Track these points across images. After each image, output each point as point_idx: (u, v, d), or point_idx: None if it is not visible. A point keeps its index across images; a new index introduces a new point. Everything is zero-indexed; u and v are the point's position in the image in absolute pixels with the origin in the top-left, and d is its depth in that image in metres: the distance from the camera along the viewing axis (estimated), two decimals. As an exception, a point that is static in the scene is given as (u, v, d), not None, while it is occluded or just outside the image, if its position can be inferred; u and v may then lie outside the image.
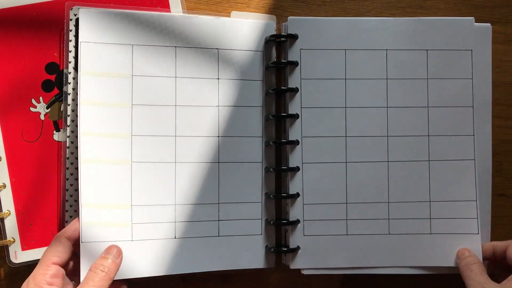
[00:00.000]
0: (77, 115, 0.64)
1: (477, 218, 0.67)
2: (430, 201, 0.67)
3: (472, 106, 0.68)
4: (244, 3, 0.71)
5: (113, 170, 0.64)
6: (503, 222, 0.72)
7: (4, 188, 0.65)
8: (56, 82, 0.66)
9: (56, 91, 0.66)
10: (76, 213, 0.64)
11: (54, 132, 0.66)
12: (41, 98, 0.66)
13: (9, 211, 0.65)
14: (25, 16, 0.66)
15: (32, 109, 0.66)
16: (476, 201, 0.67)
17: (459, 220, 0.67)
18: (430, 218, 0.67)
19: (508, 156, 0.73)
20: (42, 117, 0.66)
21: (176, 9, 0.68)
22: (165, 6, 0.68)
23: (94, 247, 0.63)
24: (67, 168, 0.65)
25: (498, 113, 0.72)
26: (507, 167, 0.73)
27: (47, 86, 0.66)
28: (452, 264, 0.67)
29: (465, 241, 0.67)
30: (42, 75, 0.66)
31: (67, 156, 0.65)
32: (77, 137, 0.64)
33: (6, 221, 0.65)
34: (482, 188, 0.68)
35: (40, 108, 0.66)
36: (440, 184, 0.67)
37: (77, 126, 0.64)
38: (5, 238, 0.65)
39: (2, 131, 0.65)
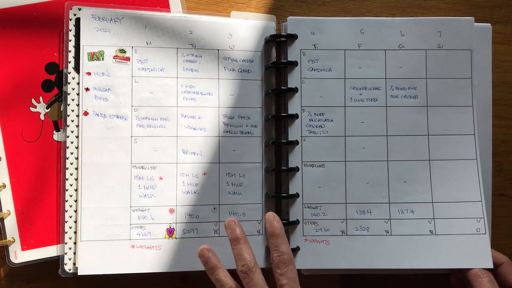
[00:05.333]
0: (77, 115, 0.64)
1: (484, 218, 0.67)
2: (432, 202, 0.67)
3: (472, 106, 0.68)
4: (244, 3, 0.71)
5: (113, 173, 0.65)
6: (503, 222, 0.72)
7: (4, 188, 0.65)
8: (56, 82, 0.66)
9: (56, 91, 0.66)
10: (75, 213, 0.64)
11: (54, 132, 0.66)
12: (41, 98, 0.66)
13: (9, 211, 0.65)
14: (25, 16, 0.66)
15: (32, 109, 0.66)
16: (481, 201, 0.67)
17: (465, 220, 0.67)
18: (434, 218, 0.67)
19: (508, 156, 0.73)
20: (42, 117, 0.66)
21: (176, 9, 0.68)
22: (165, 6, 0.68)
23: (92, 245, 0.64)
24: (67, 168, 0.65)
25: (498, 113, 0.72)
26: (507, 167, 0.73)
27: (47, 86, 0.66)
28: (458, 266, 0.66)
29: (473, 242, 0.66)
30: (42, 75, 0.66)
31: (67, 156, 0.64)
32: (77, 137, 0.64)
33: (6, 221, 0.65)
34: (482, 188, 0.68)
35: (40, 108, 0.66)
36: (442, 184, 0.67)
37: (77, 126, 0.64)
38: (5, 238, 0.65)
39: (2, 131, 0.65)
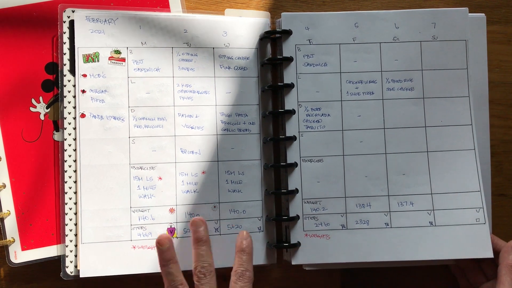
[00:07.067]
0: (74, 118, 0.65)
1: (483, 208, 0.66)
2: (432, 194, 0.67)
3: (468, 96, 0.67)
4: (244, 3, 0.71)
5: (111, 174, 0.65)
6: (503, 222, 0.72)
7: (4, 188, 0.65)
8: (55, 82, 0.67)
9: (56, 91, 0.67)
10: (76, 215, 0.64)
11: (54, 132, 0.67)
12: (41, 98, 0.67)
13: (9, 211, 0.65)
14: (25, 16, 0.66)
15: (32, 109, 0.66)
16: (480, 191, 0.66)
17: (464, 210, 0.66)
18: (433, 210, 0.66)
19: (508, 156, 0.72)
20: (42, 117, 0.66)
21: (176, 9, 0.68)
22: (165, 6, 0.68)
23: (94, 247, 0.64)
24: (66, 171, 0.65)
25: (498, 113, 0.72)
26: (507, 167, 0.72)
27: (46, 86, 0.67)
28: (458, 257, 0.66)
29: (473, 232, 0.66)
30: (42, 75, 0.67)
31: (65, 159, 0.65)
32: (74, 139, 0.65)
33: (6, 221, 0.65)
34: (481, 177, 0.68)
35: (40, 108, 0.67)
36: (441, 175, 0.67)
37: (74, 128, 0.65)
38: (5, 238, 0.65)
39: (2, 131, 0.66)
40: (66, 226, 0.64)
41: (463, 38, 0.68)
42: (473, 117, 0.67)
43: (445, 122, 0.67)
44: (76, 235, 0.64)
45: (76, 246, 0.64)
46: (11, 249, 0.65)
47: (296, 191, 0.66)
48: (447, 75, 0.68)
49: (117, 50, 0.66)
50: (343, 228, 0.66)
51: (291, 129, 0.67)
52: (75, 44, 0.65)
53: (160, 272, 0.64)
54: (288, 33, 0.67)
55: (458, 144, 0.67)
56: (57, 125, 0.67)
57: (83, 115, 0.65)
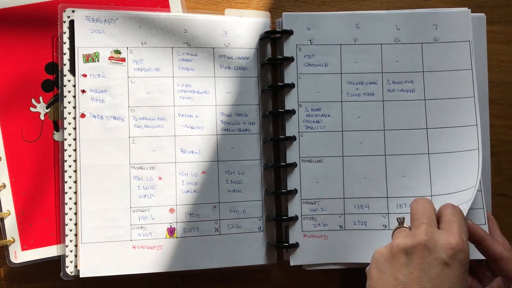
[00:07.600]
0: (74, 118, 0.65)
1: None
2: (431, 195, 0.66)
3: (474, 96, 0.67)
4: (244, 3, 0.71)
5: (111, 174, 0.65)
6: (503, 222, 0.71)
7: (4, 188, 0.65)
8: (55, 82, 0.66)
9: (56, 91, 0.67)
10: (76, 215, 0.64)
11: (54, 132, 0.67)
12: (41, 98, 0.67)
13: (9, 211, 0.65)
14: (25, 16, 0.66)
15: (32, 109, 0.66)
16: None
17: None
18: None
19: (508, 156, 0.72)
20: (42, 117, 0.66)
21: (176, 9, 0.68)
22: (165, 6, 0.68)
23: (94, 247, 0.64)
24: (66, 171, 0.65)
25: (498, 113, 0.72)
26: (507, 167, 0.72)
27: (46, 86, 0.67)
28: None
29: None
30: (42, 75, 0.67)
31: (65, 159, 0.65)
32: (74, 139, 0.65)
33: (6, 221, 0.65)
34: (480, 175, 0.66)
35: (40, 108, 0.67)
36: (442, 177, 0.66)
37: (74, 128, 0.65)
38: (5, 238, 0.65)
39: (2, 131, 0.66)
40: (66, 226, 0.64)
41: (467, 39, 0.67)
42: (479, 117, 0.67)
43: (448, 124, 0.67)
44: (76, 235, 0.64)
45: (76, 246, 0.64)
46: (11, 249, 0.65)
47: (295, 191, 0.67)
48: (450, 77, 0.67)
49: (117, 50, 0.65)
50: (341, 229, 0.66)
51: (291, 129, 0.67)
52: (75, 44, 0.65)
53: (159, 272, 0.64)
54: (289, 33, 0.67)
55: (461, 145, 0.66)
56: (57, 125, 0.67)
57: (83, 115, 0.65)
